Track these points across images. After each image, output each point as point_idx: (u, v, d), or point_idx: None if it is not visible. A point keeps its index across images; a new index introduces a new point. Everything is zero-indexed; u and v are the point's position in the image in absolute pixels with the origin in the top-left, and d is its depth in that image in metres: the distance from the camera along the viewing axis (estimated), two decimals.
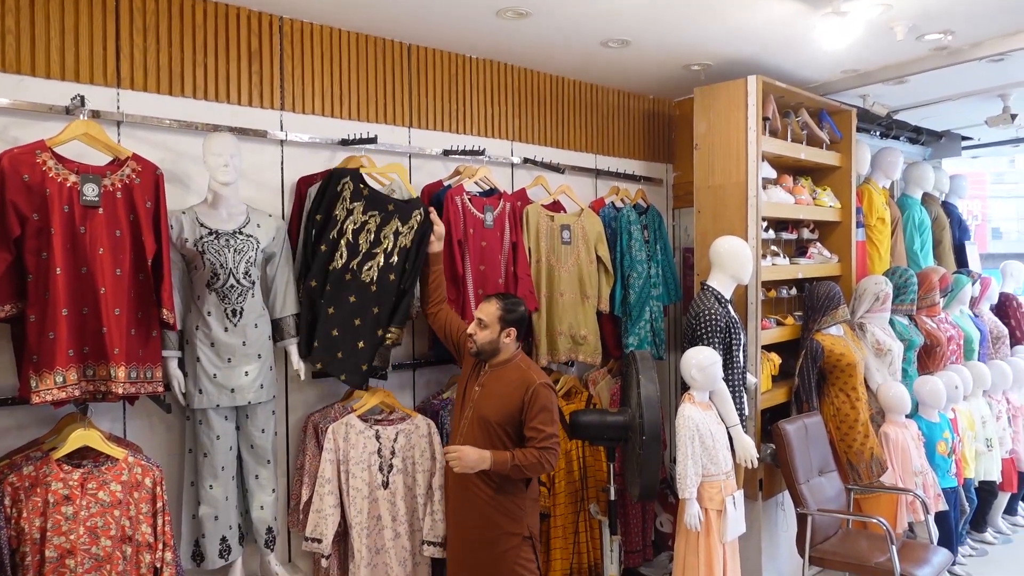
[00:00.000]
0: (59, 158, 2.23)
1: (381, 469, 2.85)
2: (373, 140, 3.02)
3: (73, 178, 2.22)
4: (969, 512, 4.33)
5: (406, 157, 3.28)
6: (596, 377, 3.76)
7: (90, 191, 2.24)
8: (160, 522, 2.28)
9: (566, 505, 3.42)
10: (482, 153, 3.36)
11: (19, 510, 2.11)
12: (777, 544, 3.86)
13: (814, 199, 4.17)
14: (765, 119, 3.70)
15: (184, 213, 2.54)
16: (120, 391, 2.26)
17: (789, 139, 3.97)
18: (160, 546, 2.27)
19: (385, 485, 2.85)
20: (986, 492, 4.60)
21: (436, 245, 2.92)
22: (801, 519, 3.48)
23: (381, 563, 2.85)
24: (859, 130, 4.43)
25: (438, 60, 3.40)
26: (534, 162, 3.67)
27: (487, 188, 3.38)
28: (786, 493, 3.78)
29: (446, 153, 3.35)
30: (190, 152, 2.68)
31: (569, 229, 3.54)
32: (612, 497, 3.24)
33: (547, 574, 3.33)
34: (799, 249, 4.25)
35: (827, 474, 3.71)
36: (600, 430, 3.16)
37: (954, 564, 4.09)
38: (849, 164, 4.30)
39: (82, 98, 2.34)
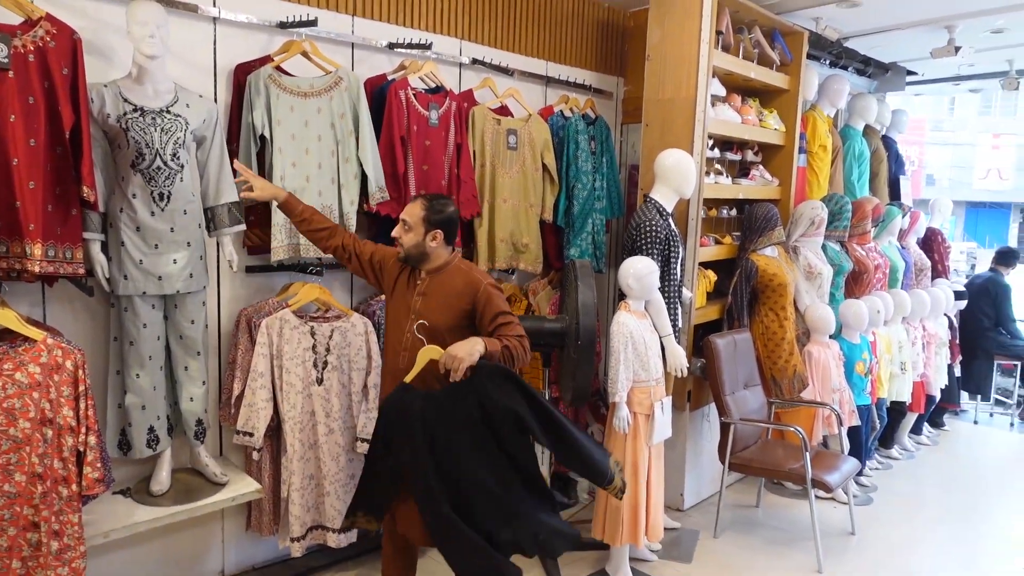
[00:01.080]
0: None
1: (316, 365, 2.83)
2: (313, 23, 2.85)
3: None
4: (879, 429, 4.60)
5: (349, 47, 3.12)
6: (536, 287, 3.78)
7: None
8: (83, 406, 2.21)
9: None
10: (429, 48, 3.23)
11: None
12: (700, 452, 4.04)
13: (760, 121, 4.19)
14: (719, 32, 3.65)
15: (106, 87, 2.37)
16: (36, 269, 2.14)
17: (741, 56, 3.94)
18: (83, 430, 2.21)
19: (320, 382, 2.84)
20: (896, 412, 4.90)
21: (265, 191, 2.59)
22: (724, 428, 3.64)
23: (313, 457, 2.86)
24: (810, 57, 4.44)
25: None
26: (483, 63, 3.55)
27: (433, 85, 3.27)
28: (712, 406, 3.94)
29: (391, 46, 3.20)
30: (113, 22, 2.49)
31: (516, 134, 3.47)
32: None
33: None
34: (742, 171, 4.29)
35: (751, 388, 3.87)
36: (537, 336, 3.18)
37: (860, 475, 4.37)
38: (797, 88, 4.32)
39: None
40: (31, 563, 2.15)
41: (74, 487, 2.21)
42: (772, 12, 4.05)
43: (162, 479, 2.62)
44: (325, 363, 2.84)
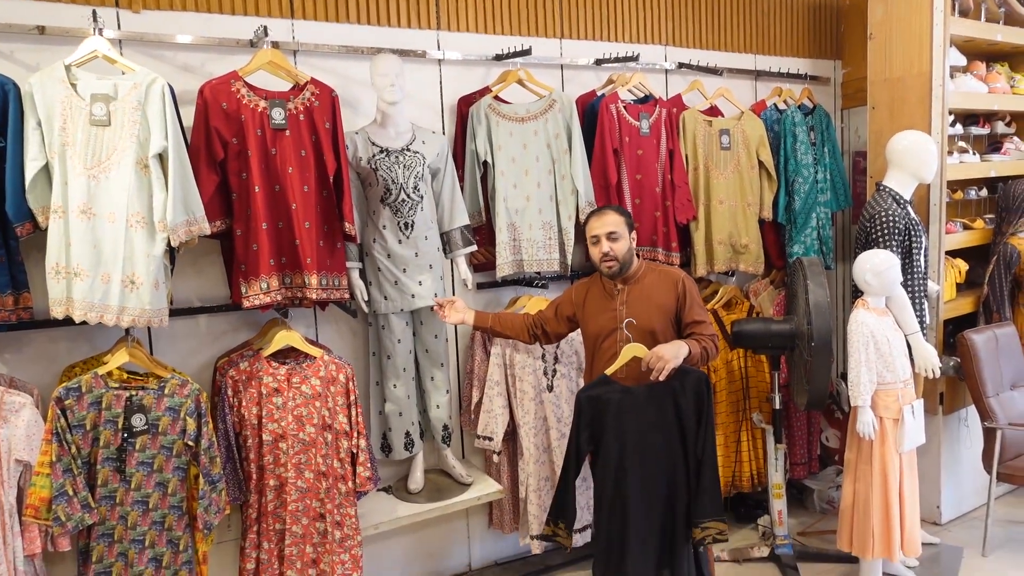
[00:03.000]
0: (250, 86, 2.44)
1: (545, 373, 2.98)
2: (527, 52, 3.02)
3: (263, 104, 2.43)
4: None
5: (558, 69, 3.27)
6: (758, 288, 3.65)
7: (278, 115, 2.44)
8: (353, 413, 2.53)
9: (727, 415, 3.41)
10: (635, 60, 3.27)
11: (239, 399, 2.43)
12: (958, 461, 3.64)
13: (1012, 87, 3.71)
14: None
15: (357, 134, 2.71)
16: (313, 296, 2.49)
17: (983, 19, 3.53)
18: (355, 434, 2.53)
19: (550, 388, 2.98)
20: None
21: (455, 316, 2.69)
22: (988, 434, 3.26)
23: (547, 461, 3.01)
24: None
25: None
26: (689, 66, 3.52)
27: (642, 95, 3.31)
28: (970, 408, 3.55)
29: (598, 62, 3.30)
30: (356, 76, 2.83)
31: (728, 134, 3.40)
32: (777, 406, 3.19)
33: None
34: (991, 145, 3.83)
35: (1020, 388, 3.43)
36: (764, 339, 3.09)
37: None
38: None
39: (265, 28, 2.52)
40: (320, 549, 2.49)
41: (350, 484, 2.54)
42: None
43: (418, 478, 2.91)
44: (554, 371, 2.98)
